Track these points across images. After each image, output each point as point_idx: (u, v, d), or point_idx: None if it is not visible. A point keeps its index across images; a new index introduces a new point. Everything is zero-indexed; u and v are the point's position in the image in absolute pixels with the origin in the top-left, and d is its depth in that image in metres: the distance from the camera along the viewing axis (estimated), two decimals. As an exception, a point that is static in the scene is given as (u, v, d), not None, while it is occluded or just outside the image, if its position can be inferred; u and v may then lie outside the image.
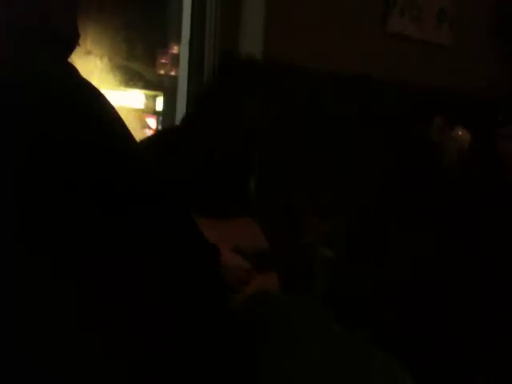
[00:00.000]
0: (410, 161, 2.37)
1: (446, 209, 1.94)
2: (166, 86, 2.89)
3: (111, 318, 0.66)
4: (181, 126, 1.94)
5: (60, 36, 0.81)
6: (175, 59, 2.67)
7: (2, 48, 0.74)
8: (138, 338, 0.67)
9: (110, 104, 0.78)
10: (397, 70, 2.72)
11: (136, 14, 2.62)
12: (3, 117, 0.67)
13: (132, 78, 2.74)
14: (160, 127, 2.99)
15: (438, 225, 1.86)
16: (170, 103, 2.74)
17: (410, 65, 2.80)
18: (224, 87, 1.86)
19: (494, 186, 2.13)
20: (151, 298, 0.70)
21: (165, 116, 2.93)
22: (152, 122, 3.07)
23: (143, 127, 2.97)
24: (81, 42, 0.84)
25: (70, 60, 0.82)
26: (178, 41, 2.55)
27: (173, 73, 2.75)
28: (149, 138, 1.96)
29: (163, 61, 2.84)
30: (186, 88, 2.44)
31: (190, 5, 2.41)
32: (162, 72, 2.88)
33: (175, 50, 2.70)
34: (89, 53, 2.24)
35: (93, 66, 2.31)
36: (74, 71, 0.79)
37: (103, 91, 0.78)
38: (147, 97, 3.05)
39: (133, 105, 2.98)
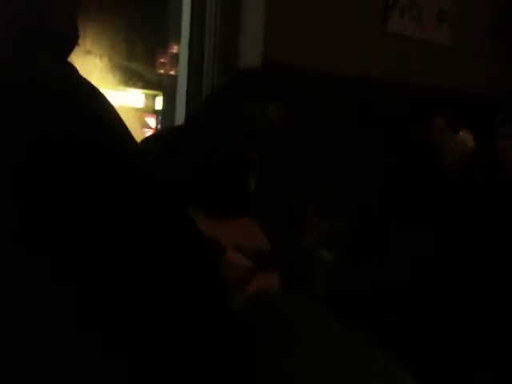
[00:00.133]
0: (410, 161, 2.37)
1: (446, 209, 1.94)
2: (165, 86, 2.89)
3: (111, 318, 0.66)
4: (181, 126, 1.95)
5: (60, 36, 0.81)
6: (175, 59, 2.67)
7: (2, 48, 0.74)
8: (138, 338, 0.67)
9: (109, 104, 0.78)
10: (397, 70, 2.72)
11: (136, 14, 2.62)
12: (3, 117, 0.67)
13: (132, 78, 2.75)
14: (159, 127, 2.99)
15: (438, 225, 1.86)
16: (169, 103, 2.75)
17: (410, 65, 2.80)
18: (226, 89, 1.86)
19: (493, 185, 2.13)
20: (151, 297, 0.70)
21: (164, 115, 2.93)
22: (151, 122, 3.07)
23: (143, 127, 2.98)
24: (80, 41, 0.84)
25: (69, 60, 0.82)
26: (178, 40, 2.55)
27: (172, 72, 2.76)
28: (149, 138, 1.96)
29: (163, 60, 2.84)
30: (185, 87, 2.44)
31: (190, 5, 2.41)
32: (161, 72, 2.88)
33: (175, 49, 2.71)
34: (88, 52, 2.24)
35: (92, 65, 2.31)
36: (73, 71, 0.79)
37: (103, 91, 0.78)
38: (147, 96, 3.05)
39: (132, 104, 2.99)
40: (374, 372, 0.89)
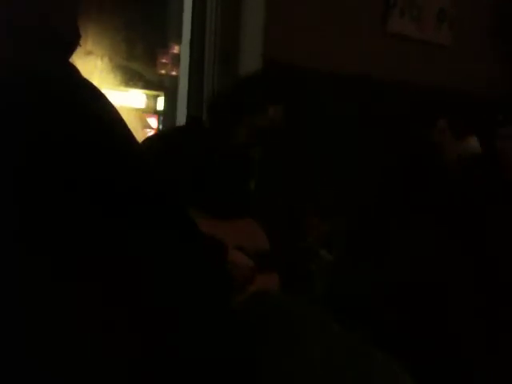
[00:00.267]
0: (410, 161, 2.37)
1: (445, 209, 1.94)
2: (166, 86, 2.90)
3: (111, 318, 0.66)
4: (182, 126, 1.95)
5: (60, 36, 0.81)
6: (176, 59, 2.67)
7: (2, 48, 0.74)
8: (138, 338, 0.67)
9: (110, 104, 0.78)
10: (397, 70, 2.72)
11: (136, 13, 2.62)
12: (3, 117, 0.67)
13: (132, 78, 2.75)
14: (161, 127, 2.99)
15: (438, 225, 1.86)
16: (170, 103, 2.75)
17: (410, 65, 2.80)
18: (227, 89, 1.87)
19: (493, 185, 2.13)
20: (151, 298, 0.70)
21: (165, 116, 2.93)
22: (153, 122, 3.07)
23: (144, 127, 2.98)
24: (81, 42, 0.84)
25: (70, 60, 0.82)
26: (179, 41, 2.56)
27: (173, 72, 2.76)
28: (150, 138, 1.96)
29: (164, 61, 2.84)
30: (186, 88, 2.44)
31: (191, 5, 2.41)
32: (162, 72, 2.88)
33: (176, 49, 2.71)
34: (89, 53, 2.24)
35: (93, 66, 2.31)
36: (74, 71, 0.79)
37: (104, 91, 0.78)
38: (148, 97, 3.06)
39: (133, 105, 2.99)
40: (374, 372, 0.89)
